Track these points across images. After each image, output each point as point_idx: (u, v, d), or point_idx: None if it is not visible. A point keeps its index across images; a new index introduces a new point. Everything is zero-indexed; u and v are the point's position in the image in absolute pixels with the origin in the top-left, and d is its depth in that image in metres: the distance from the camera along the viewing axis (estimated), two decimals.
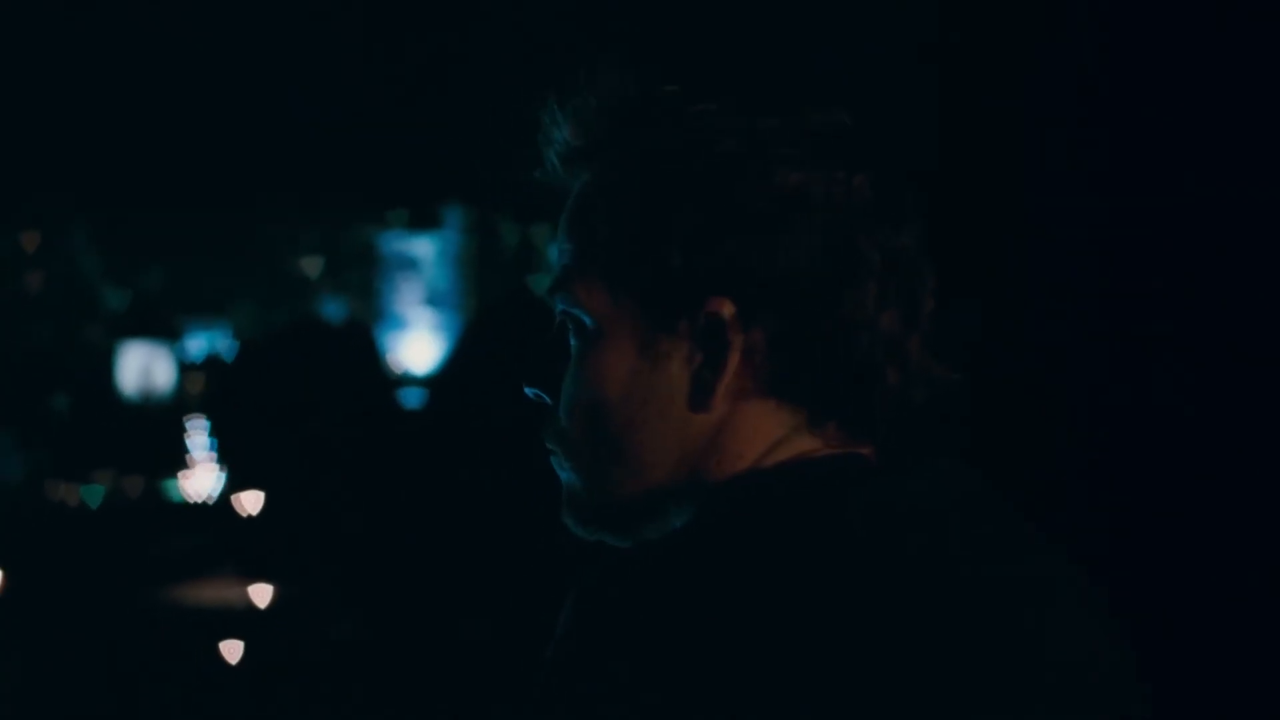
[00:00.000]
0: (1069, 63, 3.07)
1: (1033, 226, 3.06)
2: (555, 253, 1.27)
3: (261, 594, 17.77)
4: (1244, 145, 2.87)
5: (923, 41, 3.26)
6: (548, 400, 1.29)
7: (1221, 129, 2.89)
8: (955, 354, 1.24)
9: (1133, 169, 2.98)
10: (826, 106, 1.24)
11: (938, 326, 1.24)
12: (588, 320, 1.23)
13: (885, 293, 1.19)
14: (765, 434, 1.21)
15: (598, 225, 1.24)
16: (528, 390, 1.30)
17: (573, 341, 1.26)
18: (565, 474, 1.28)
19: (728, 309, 1.18)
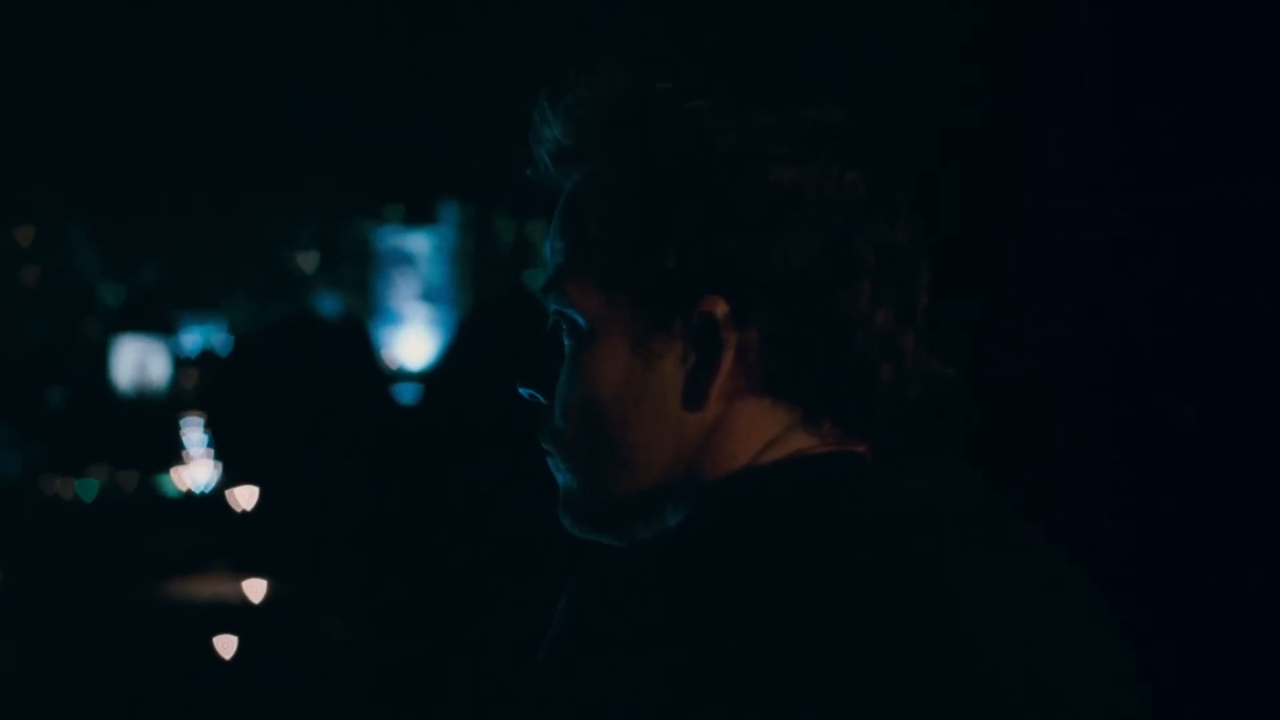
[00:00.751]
0: (1069, 63, 3.07)
1: (1033, 226, 3.06)
2: (548, 252, 1.26)
3: (255, 589, 17.76)
4: (1245, 145, 2.87)
5: (922, 41, 3.26)
6: (543, 401, 1.28)
7: (1223, 129, 2.89)
8: (953, 350, 1.23)
9: (1133, 169, 2.98)
10: (819, 103, 1.23)
11: (935, 324, 1.23)
12: (581, 320, 1.23)
13: (879, 290, 1.19)
14: (760, 432, 1.20)
15: (590, 224, 1.23)
16: (522, 391, 1.30)
17: (566, 342, 1.25)
18: (561, 475, 1.28)
19: (721, 308, 1.18)
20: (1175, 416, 2.94)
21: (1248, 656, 2.83)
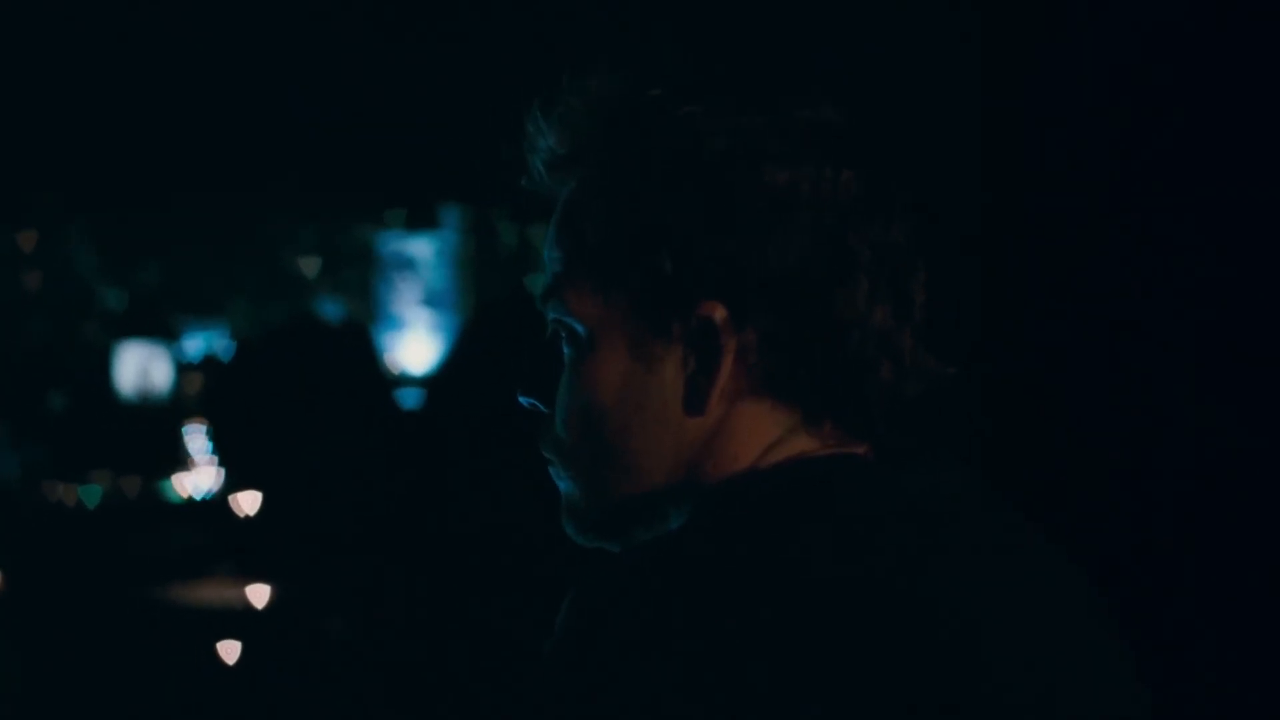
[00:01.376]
0: (1069, 63, 3.07)
1: (1033, 226, 3.06)
2: (546, 260, 1.26)
3: (259, 594, 17.75)
4: (1246, 145, 2.87)
5: (922, 42, 3.26)
6: (543, 409, 1.28)
7: (1223, 129, 2.89)
8: (952, 350, 1.23)
9: (1133, 169, 2.98)
10: (814, 103, 1.23)
11: (933, 322, 1.23)
12: (580, 328, 1.23)
13: (876, 289, 1.19)
14: (761, 435, 1.20)
15: (586, 231, 1.23)
16: (523, 399, 1.30)
17: (566, 349, 1.25)
18: (564, 483, 1.28)
19: (719, 312, 1.18)
20: (1175, 416, 2.94)
21: (1248, 656, 2.82)
